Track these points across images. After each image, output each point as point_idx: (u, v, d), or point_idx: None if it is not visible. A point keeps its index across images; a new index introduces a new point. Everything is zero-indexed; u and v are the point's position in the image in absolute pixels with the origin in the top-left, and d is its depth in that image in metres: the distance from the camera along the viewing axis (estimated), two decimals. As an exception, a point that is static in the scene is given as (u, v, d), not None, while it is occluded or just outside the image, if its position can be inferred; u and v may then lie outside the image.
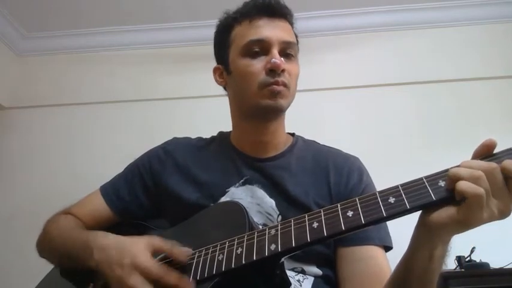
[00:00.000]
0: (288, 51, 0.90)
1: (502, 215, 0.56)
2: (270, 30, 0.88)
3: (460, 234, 0.60)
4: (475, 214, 0.54)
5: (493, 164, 0.55)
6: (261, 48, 0.87)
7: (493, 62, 2.17)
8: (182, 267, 0.72)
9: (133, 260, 0.68)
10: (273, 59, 0.85)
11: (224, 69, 0.96)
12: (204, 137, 1.06)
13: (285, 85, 0.86)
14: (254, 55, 0.88)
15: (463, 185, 0.54)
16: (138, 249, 0.70)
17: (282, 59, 0.87)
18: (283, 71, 0.86)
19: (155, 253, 0.72)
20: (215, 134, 1.06)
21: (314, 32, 2.23)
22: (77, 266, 0.79)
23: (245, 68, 0.88)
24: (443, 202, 0.57)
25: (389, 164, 1.88)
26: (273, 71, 0.85)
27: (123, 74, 2.35)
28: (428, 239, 0.61)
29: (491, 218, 0.55)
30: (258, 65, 0.87)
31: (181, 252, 0.72)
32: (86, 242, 0.78)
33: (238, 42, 0.90)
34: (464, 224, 0.56)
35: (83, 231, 0.86)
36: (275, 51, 0.87)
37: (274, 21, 0.90)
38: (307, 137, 1.03)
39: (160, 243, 0.73)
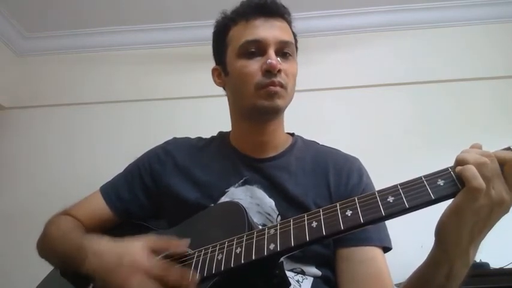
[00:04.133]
0: (285, 50, 0.89)
1: (497, 205, 0.57)
2: (266, 30, 0.87)
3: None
4: (470, 203, 0.56)
5: (489, 152, 0.58)
6: (257, 48, 0.87)
7: (493, 62, 2.17)
8: (181, 267, 0.72)
9: (133, 261, 0.67)
10: (269, 60, 0.84)
11: (222, 70, 0.95)
12: (204, 137, 1.06)
13: (281, 85, 0.86)
14: (250, 56, 0.87)
15: (469, 175, 0.55)
16: (136, 249, 0.70)
17: (279, 58, 0.86)
18: (279, 71, 0.85)
19: (153, 251, 0.71)
20: (215, 134, 1.06)
21: (313, 32, 2.23)
22: (72, 269, 0.78)
23: (242, 69, 0.87)
24: (441, 201, 0.57)
25: (389, 163, 1.88)
26: (269, 71, 0.84)
27: (123, 74, 2.35)
28: (445, 253, 0.63)
29: (486, 208, 0.57)
30: (254, 65, 0.86)
31: (179, 244, 0.72)
32: (80, 246, 0.76)
33: (235, 43, 0.89)
34: (459, 209, 0.58)
35: (80, 234, 0.85)
36: (271, 51, 0.86)
37: (271, 21, 0.89)
38: (307, 137, 1.03)
39: (157, 240, 0.72)
